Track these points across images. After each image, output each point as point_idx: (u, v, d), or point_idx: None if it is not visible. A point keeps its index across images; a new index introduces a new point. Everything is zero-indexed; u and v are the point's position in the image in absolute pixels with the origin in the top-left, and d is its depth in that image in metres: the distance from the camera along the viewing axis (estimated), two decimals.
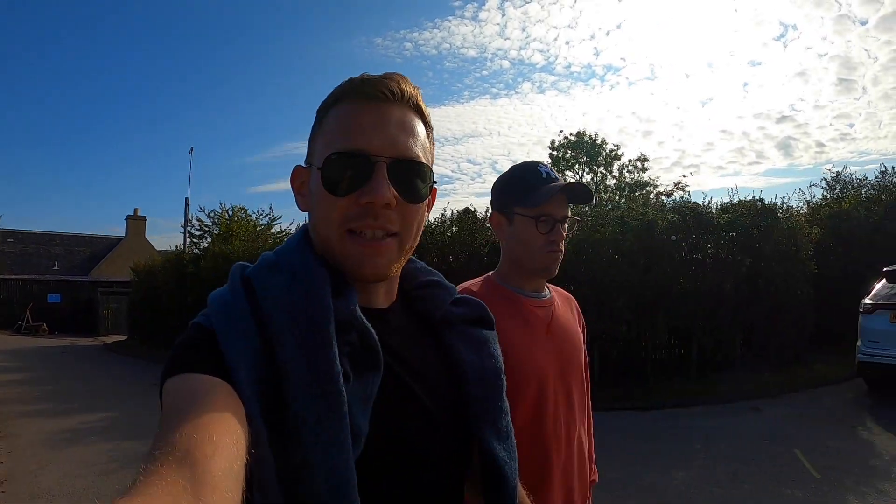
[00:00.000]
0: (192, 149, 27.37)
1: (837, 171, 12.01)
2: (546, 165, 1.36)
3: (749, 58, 57.97)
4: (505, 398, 0.79)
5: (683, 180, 29.09)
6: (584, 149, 28.70)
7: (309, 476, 0.55)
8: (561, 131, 33.71)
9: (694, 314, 7.98)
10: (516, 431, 0.87)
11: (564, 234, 1.34)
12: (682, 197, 14.92)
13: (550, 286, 1.45)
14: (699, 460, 4.93)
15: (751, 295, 8.17)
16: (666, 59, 61.74)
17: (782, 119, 46.91)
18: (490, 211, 1.42)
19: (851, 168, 36.80)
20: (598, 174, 28.70)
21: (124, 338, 19.06)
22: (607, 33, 58.77)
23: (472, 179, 48.69)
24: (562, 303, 1.44)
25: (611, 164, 28.63)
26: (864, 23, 43.94)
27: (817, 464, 4.54)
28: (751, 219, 8.50)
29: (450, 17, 66.48)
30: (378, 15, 77.41)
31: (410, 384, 0.70)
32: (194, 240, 24.17)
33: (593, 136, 28.92)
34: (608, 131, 53.38)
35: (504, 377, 0.81)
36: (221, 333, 0.60)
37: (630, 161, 28.44)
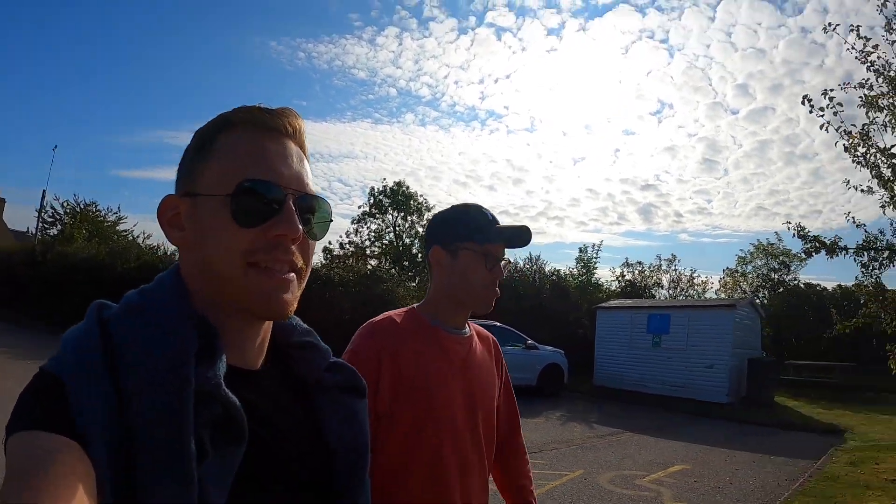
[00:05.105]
0: (55, 146, 31.03)
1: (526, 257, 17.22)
2: (488, 209, 1.40)
3: (624, 126, 60.20)
4: (367, 474, 0.77)
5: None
6: (398, 197, 35.07)
7: None
8: (384, 179, 39.83)
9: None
10: (422, 456, 1.23)
11: (504, 274, 1.38)
12: None
13: (473, 325, 1.47)
14: None
15: None
16: (547, 115, 61.74)
17: (647, 187, 48.34)
18: (429, 245, 1.40)
19: (704, 240, 47.39)
20: (409, 221, 34.97)
21: None
22: (496, 81, 60.20)
23: (341, 200, 46.58)
24: (480, 341, 1.46)
25: (422, 214, 34.42)
26: (735, 112, 48.27)
27: None
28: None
29: (347, 35, 62.30)
30: (278, 17, 74.93)
31: (278, 453, 0.66)
32: (46, 226, 28.96)
33: (408, 188, 35.53)
34: (481, 174, 53.97)
35: (370, 453, 0.78)
36: (71, 384, 0.54)
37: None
